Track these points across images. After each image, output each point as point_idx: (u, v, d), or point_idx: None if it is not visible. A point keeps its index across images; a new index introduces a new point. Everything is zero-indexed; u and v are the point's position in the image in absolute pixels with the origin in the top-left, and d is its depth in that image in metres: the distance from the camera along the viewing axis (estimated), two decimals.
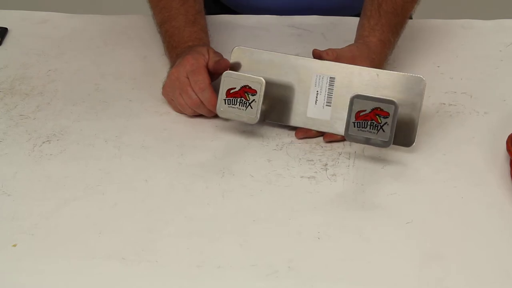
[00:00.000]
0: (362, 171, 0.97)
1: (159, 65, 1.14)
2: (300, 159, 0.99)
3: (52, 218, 0.92)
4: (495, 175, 0.96)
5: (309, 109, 1.01)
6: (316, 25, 1.22)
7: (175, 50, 1.09)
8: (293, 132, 1.03)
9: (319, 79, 1.00)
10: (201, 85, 1.01)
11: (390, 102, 0.93)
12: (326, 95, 1.00)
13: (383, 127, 0.93)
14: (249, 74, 0.99)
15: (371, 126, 0.94)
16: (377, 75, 0.99)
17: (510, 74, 1.12)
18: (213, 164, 0.99)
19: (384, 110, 0.93)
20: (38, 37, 1.23)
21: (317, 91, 1.00)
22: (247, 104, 0.98)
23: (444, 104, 1.07)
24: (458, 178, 0.96)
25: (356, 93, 0.95)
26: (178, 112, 1.06)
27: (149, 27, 1.21)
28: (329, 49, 1.02)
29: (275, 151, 1.00)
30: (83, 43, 1.21)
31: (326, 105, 1.00)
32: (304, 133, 1.02)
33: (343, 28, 1.19)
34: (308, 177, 0.96)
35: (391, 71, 0.99)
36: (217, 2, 1.32)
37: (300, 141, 1.02)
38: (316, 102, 1.00)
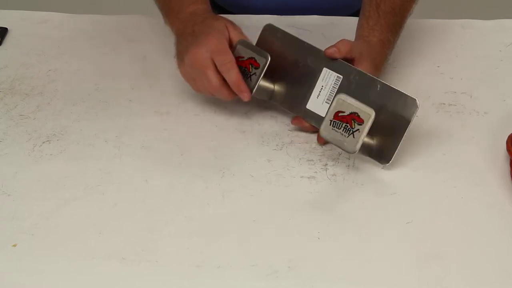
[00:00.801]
0: (362, 171, 0.97)
1: (159, 65, 1.14)
2: (300, 159, 0.99)
3: (52, 218, 0.92)
4: (495, 175, 0.96)
5: (310, 101, 1.01)
6: (316, 25, 1.22)
7: (177, 15, 1.07)
8: (292, 132, 1.03)
9: (327, 74, 1.00)
10: (227, 65, 0.98)
11: (368, 110, 0.93)
12: (329, 92, 1.00)
13: (354, 133, 0.93)
14: (258, 48, 1.00)
15: (344, 129, 0.94)
16: (379, 87, 0.97)
17: (510, 74, 1.12)
18: (213, 164, 0.99)
19: (361, 116, 0.93)
20: (38, 37, 1.23)
21: (322, 86, 1.00)
22: (248, 75, 1.00)
23: (444, 104, 1.07)
24: (458, 178, 0.96)
25: (341, 93, 0.95)
26: (198, 91, 1.04)
27: (149, 27, 1.21)
28: (343, 40, 1.01)
29: (275, 151, 1.00)
30: (83, 43, 1.21)
31: (326, 102, 1.00)
32: (298, 122, 1.02)
33: (343, 28, 1.19)
34: (308, 177, 0.96)
35: (393, 87, 0.96)
36: (212, 2, 1.32)
37: (300, 141, 1.02)
38: (318, 96, 1.01)
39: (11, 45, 1.21)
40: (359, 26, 1.08)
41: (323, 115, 0.99)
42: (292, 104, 1.03)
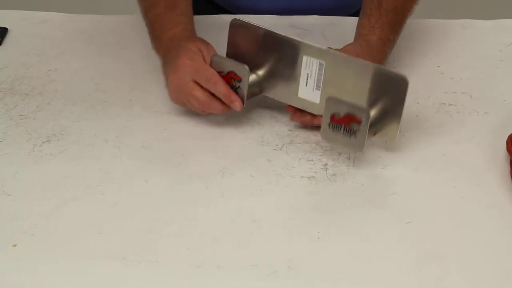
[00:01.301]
0: (362, 171, 0.97)
1: (159, 65, 1.13)
2: (300, 159, 0.99)
3: (52, 218, 0.92)
4: (495, 175, 0.96)
5: (300, 90, 1.01)
6: (316, 25, 1.22)
7: (159, 40, 1.07)
8: (293, 132, 1.03)
9: (309, 62, 0.99)
10: (212, 80, 0.99)
11: (363, 110, 0.92)
12: (316, 79, 0.99)
13: (356, 133, 0.93)
14: (234, 61, 0.99)
15: (345, 130, 0.93)
16: (365, 68, 0.96)
17: (510, 74, 1.12)
18: (213, 164, 0.99)
19: (357, 116, 0.92)
20: (38, 37, 1.23)
21: (308, 74, 0.99)
22: (234, 89, 0.99)
23: (444, 104, 1.07)
24: (458, 178, 0.96)
25: (331, 96, 0.94)
26: (194, 110, 1.04)
27: None
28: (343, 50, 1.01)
29: (275, 151, 1.00)
30: (83, 43, 1.21)
31: (316, 89, 0.99)
32: (298, 117, 1.02)
33: (343, 28, 1.19)
34: (308, 177, 0.96)
35: (378, 66, 0.96)
36: (212, 2, 1.32)
37: (300, 141, 1.02)
38: (306, 84, 1.00)
39: (11, 45, 1.21)
40: (360, 25, 1.07)
41: (317, 101, 0.99)
42: (284, 94, 1.03)
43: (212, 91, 0.99)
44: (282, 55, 1.01)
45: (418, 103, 1.07)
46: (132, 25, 1.24)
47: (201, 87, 1.00)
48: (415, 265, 0.85)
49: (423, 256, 0.86)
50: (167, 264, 0.86)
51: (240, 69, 0.99)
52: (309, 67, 0.99)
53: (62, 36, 1.23)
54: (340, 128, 0.94)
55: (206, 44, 1.04)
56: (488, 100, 1.07)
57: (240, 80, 0.99)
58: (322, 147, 1.01)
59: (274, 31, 1.00)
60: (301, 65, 1.00)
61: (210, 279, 0.84)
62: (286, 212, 0.92)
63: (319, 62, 0.98)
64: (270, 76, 1.03)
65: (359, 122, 0.92)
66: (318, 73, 0.99)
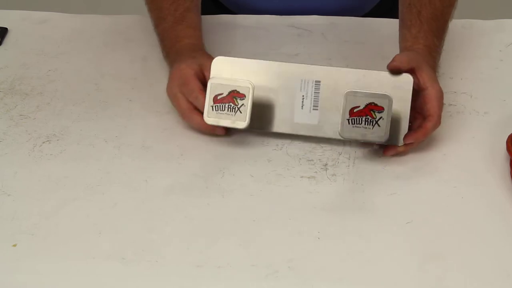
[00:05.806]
0: (362, 171, 0.97)
1: (159, 65, 1.14)
2: (300, 159, 0.99)
3: (52, 218, 0.92)
4: (495, 175, 0.96)
5: (295, 115, 0.99)
6: (316, 25, 1.22)
7: (168, 56, 1.08)
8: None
9: (304, 83, 0.98)
10: (194, 94, 0.99)
11: (384, 96, 0.93)
12: (313, 99, 0.99)
13: (379, 122, 0.93)
14: (234, 79, 0.97)
15: (366, 122, 0.93)
16: (364, 75, 0.97)
17: (510, 74, 1.12)
18: (213, 164, 0.99)
19: (379, 104, 0.92)
20: (38, 37, 1.23)
21: (303, 96, 0.99)
22: (236, 109, 0.97)
23: (444, 104, 1.07)
24: (458, 178, 0.96)
25: (349, 90, 0.94)
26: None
27: (149, 27, 1.21)
28: (397, 54, 0.99)
29: (275, 151, 1.00)
30: (83, 43, 1.21)
31: (313, 109, 0.99)
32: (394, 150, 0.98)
33: (343, 28, 1.19)
34: (308, 177, 0.96)
35: (378, 71, 0.97)
36: (213, 0, 1.32)
37: (300, 141, 1.02)
38: (302, 107, 0.99)
39: (11, 45, 1.21)
40: (402, 38, 1.06)
41: (316, 122, 0.98)
42: (277, 124, 1.00)
43: (194, 103, 0.99)
44: (270, 83, 0.99)
45: None
46: (132, 25, 1.24)
47: (186, 98, 1.00)
48: (415, 265, 0.85)
49: (423, 256, 0.86)
50: (167, 264, 0.86)
51: (243, 85, 0.97)
52: (304, 89, 0.98)
53: (62, 36, 1.23)
54: (361, 121, 0.93)
55: (207, 59, 1.02)
56: (488, 100, 1.07)
57: (243, 97, 0.97)
58: (322, 147, 1.01)
59: (260, 59, 0.99)
60: (293, 89, 0.98)
61: (210, 279, 0.84)
62: (286, 212, 0.92)
63: (315, 81, 0.98)
64: (257, 111, 0.99)
65: (381, 109, 0.92)
66: (314, 93, 0.98)
